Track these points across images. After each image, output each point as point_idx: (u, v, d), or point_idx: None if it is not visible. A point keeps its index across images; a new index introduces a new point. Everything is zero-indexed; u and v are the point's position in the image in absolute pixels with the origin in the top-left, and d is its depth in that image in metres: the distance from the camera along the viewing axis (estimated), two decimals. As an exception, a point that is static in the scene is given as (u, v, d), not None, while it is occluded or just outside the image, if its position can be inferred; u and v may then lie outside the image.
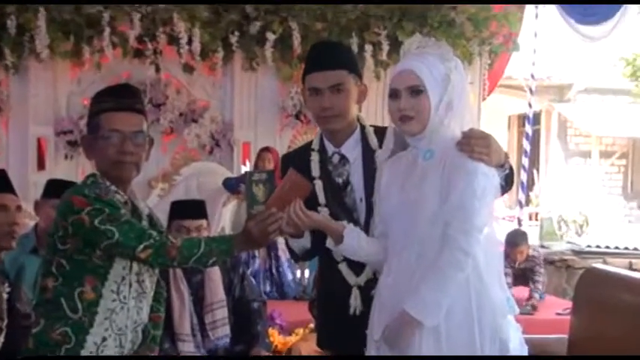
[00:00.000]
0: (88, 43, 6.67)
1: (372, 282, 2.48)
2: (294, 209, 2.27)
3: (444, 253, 2.10)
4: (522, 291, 5.58)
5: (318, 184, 2.57)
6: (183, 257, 2.21)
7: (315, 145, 2.66)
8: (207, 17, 6.78)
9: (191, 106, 7.15)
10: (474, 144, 2.16)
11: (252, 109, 7.28)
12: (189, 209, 3.68)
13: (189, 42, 6.71)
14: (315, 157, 2.63)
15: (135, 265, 2.35)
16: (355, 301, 2.52)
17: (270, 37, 6.79)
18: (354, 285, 2.53)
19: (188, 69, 6.99)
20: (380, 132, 2.56)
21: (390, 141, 2.38)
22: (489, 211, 2.16)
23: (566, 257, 8.02)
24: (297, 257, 2.70)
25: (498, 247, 2.29)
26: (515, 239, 5.64)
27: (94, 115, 2.38)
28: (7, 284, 2.82)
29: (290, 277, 5.76)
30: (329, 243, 2.41)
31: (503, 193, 2.28)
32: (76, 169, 6.93)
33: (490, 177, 2.17)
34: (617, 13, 6.16)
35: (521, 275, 5.71)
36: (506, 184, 2.29)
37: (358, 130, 2.63)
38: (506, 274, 5.31)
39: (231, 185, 6.48)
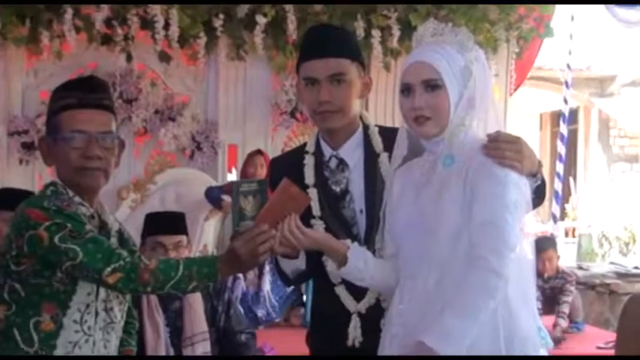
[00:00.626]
0: (47, 27, 6.65)
1: (375, 309, 2.50)
2: (289, 225, 2.27)
3: (471, 276, 2.08)
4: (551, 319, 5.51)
5: (313, 193, 2.58)
6: (158, 282, 2.21)
7: (310, 147, 2.67)
8: (187, -3, 6.80)
9: (168, 102, 7.15)
10: (504, 148, 2.16)
11: (239, 105, 7.28)
12: (166, 223, 3.68)
13: (166, 26, 6.69)
14: (309, 161, 2.64)
15: (102, 291, 2.35)
16: (355, 331, 2.53)
17: (261, 20, 6.77)
18: (354, 312, 2.54)
19: (165, 58, 6.98)
20: (387, 134, 2.58)
21: (403, 145, 2.38)
22: (520, 226, 2.16)
23: (608, 281, 7.97)
24: (288, 281, 2.70)
25: (530, 269, 2.28)
26: (542, 244, 5.56)
27: (54, 113, 2.39)
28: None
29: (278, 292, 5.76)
30: (330, 266, 2.41)
31: (534, 208, 2.28)
32: (33, 176, 6.94)
33: (522, 187, 2.17)
34: None
35: (552, 298, 5.67)
36: (538, 197, 2.29)
37: (360, 130, 2.64)
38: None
39: (215, 196, 6.48)
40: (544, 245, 5.65)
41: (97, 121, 2.37)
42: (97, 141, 2.36)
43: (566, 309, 5.55)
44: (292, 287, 5.49)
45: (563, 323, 5.47)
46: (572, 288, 5.71)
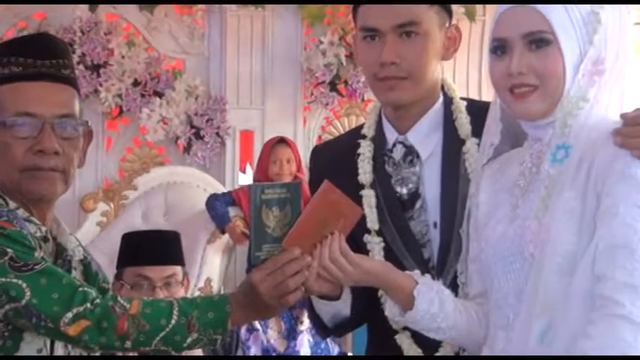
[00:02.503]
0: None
1: None
2: (332, 251, 2.29)
3: (596, 326, 2.07)
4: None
5: (369, 197, 2.60)
6: (142, 334, 2.24)
7: (369, 130, 2.69)
8: None
9: (153, 69, 7.24)
10: None
11: (256, 73, 7.35)
12: (155, 248, 3.72)
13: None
14: (366, 150, 2.66)
15: (59, 347, 2.39)
16: None
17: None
18: None
19: (146, 5, 7.05)
20: (479, 110, 2.57)
21: (494, 130, 2.38)
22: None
23: None
24: (324, 330, 2.70)
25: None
26: None
27: None
28: None
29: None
30: (389, 309, 2.43)
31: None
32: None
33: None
34: None
35: None
36: None
37: (440, 105, 2.66)
38: None
39: (219, 211, 6.53)
40: None
41: (53, 100, 2.39)
42: (54, 129, 2.37)
43: None
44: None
45: None
46: None
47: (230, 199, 6.43)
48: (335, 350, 5.69)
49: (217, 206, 6.51)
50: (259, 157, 6.55)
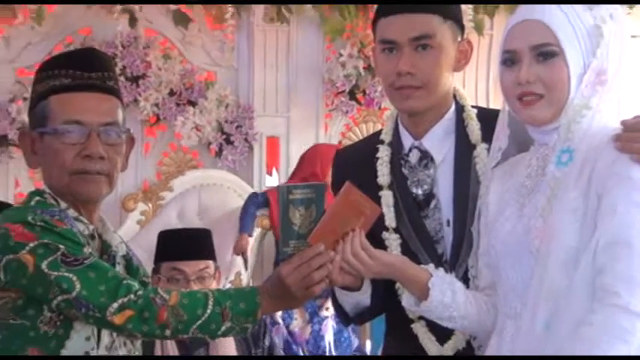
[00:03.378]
0: (24, -18, 6.79)
1: (465, 355, 2.52)
2: (353, 246, 2.30)
3: (596, 315, 2.06)
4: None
5: (387, 197, 2.60)
6: (180, 323, 2.24)
7: (386, 136, 2.69)
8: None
9: (187, 81, 7.24)
10: None
11: (281, 83, 7.35)
12: (189, 245, 3.73)
13: (183, -23, 6.79)
14: (384, 154, 2.66)
15: (105, 336, 2.39)
16: None
17: (310, -32, 6.84)
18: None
19: (181, 20, 7.06)
20: (489, 118, 2.56)
21: (503, 135, 2.38)
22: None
23: None
24: (346, 318, 2.72)
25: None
26: None
27: (41, 98, 2.42)
28: None
29: (343, 346, 5.76)
30: (406, 300, 2.43)
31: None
32: (6, 181, 7.06)
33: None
34: None
35: None
36: None
37: (453, 112, 2.66)
38: None
39: (249, 214, 6.53)
40: None
41: (99, 110, 2.40)
42: (100, 136, 2.38)
43: None
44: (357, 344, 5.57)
45: None
46: None
47: (264, 199, 6.42)
48: (355, 343, 5.68)
49: (248, 210, 6.49)
50: (309, 159, 6.47)
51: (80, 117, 2.37)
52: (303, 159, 6.53)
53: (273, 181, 7.08)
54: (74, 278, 2.23)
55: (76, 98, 2.39)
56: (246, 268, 6.63)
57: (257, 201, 6.49)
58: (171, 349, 3.60)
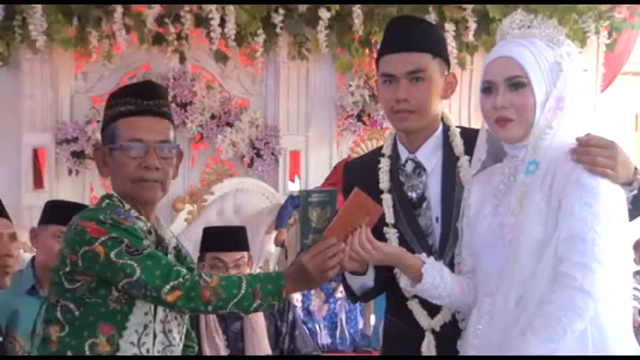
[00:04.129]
0: (96, 27, 6.79)
1: (451, 327, 2.50)
2: (360, 239, 2.29)
3: (557, 295, 2.06)
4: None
5: (387, 199, 2.60)
6: (220, 300, 2.24)
7: (387, 150, 2.68)
8: (245, -8, 6.86)
9: (225, 106, 7.25)
10: (596, 153, 2.12)
11: (301, 108, 7.34)
12: (228, 239, 3.72)
13: (222, 24, 6.77)
14: (384, 165, 2.65)
15: (160, 311, 2.39)
16: (428, 350, 2.54)
17: (324, 15, 6.81)
18: (428, 329, 2.55)
19: (221, 58, 7.07)
20: (469, 135, 2.57)
21: (482, 149, 2.38)
22: (615, 240, 2.13)
23: None
24: (354, 297, 2.71)
25: (626, 285, 2.25)
26: None
27: (111, 121, 2.44)
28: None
29: (352, 324, 5.74)
30: (403, 282, 2.43)
31: (631, 219, 2.24)
32: (83, 187, 7.08)
33: (615, 197, 2.13)
34: None
35: None
36: (635, 208, 2.25)
37: (440, 131, 2.64)
38: (634, 298, 5.46)
39: (286, 213, 6.54)
40: None
41: (155, 130, 2.42)
42: (156, 151, 2.40)
43: None
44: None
45: None
46: None
47: (296, 201, 6.42)
48: (360, 323, 5.66)
49: (286, 209, 6.48)
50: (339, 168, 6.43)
51: (141, 136, 2.39)
52: (334, 169, 6.50)
53: (295, 186, 7.07)
54: (135, 265, 2.24)
55: (137, 121, 2.41)
56: (286, 257, 6.60)
57: (294, 202, 6.46)
58: (213, 322, 3.59)
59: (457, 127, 2.65)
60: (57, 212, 3.69)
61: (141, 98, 2.43)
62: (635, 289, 5.76)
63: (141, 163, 2.38)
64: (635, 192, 2.22)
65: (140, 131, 2.39)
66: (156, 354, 2.39)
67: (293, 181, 7.19)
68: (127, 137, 2.39)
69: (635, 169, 2.23)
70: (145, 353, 2.36)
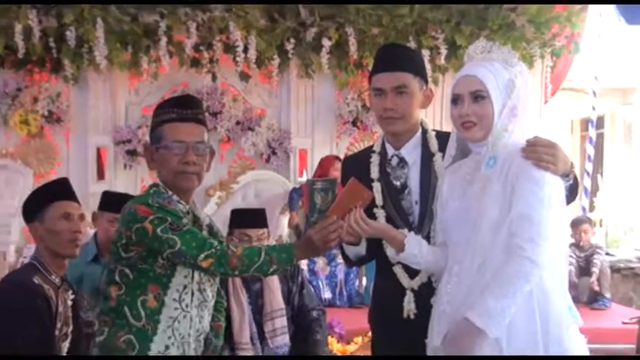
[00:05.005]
0: (146, 52, 6.78)
1: (426, 286, 2.49)
2: (355, 217, 2.29)
3: (510, 262, 2.07)
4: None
5: (377, 186, 2.58)
6: (244, 266, 2.24)
7: (377, 147, 2.67)
8: (263, 25, 6.84)
9: (247, 114, 7.22)
10: (541, 151, 2.13)
11: (308, 116, 7.30)
12: (252, 218, 3.70)
13: (245, 50, 6.75)
14: (375, 159, 2.64)
15: (196, 274, 2.39)
16: (409, 305, 2.53)
17: (326, 43, 6.79)
18: (408, 288, 2.54)
19: (244, 77, 7.04)
20: (442, 136, 2.57)
21: (452, 147, 2.38)
22: (556, 220, 2.12)
23: (632, 265, 7.82)
24: (350, 263, 2.73)
25: (563, 257, 2.25)
26: (579, 219, 6.17)
27: (157, 126, 2.43)
28: (70, 292, 2.89)
29: (349, 284, 5.73)
30: (389, 251, 2.42)
31: (567, 204, 2.25)
32: (135, 178, 7.06)
33: (556, 186, 2.14)
34: None
35: (586, 266, 5.93)
36: (571, 194, 2.26)
37: (419, 133, 2.63)
38: (570, 264, 5.51)
39: (294, 199, 6.50)
40: (580, 220, 6.15)
41: (193, 133, 2.41)
42: (193, 149, 2.39)
43: (596, 269, 5.89)
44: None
45: (594, 277, 5.85)
46: (603, 254, 6.10)
47: (301, 190, 6.41)
48: (355, 284, 5.66)
49: (293, 197, 6.47)
50: (324, 163, 6.42)
51: (182, 138, 2.39)
52: (319, 164, 6.50)
53: (302, 179, 7.03)
54: (176, 238, 2.24)
55: (179, 126, 2.40)
56: (298, 237, 6.58)
57: (298, 192, 6.47)
58: (238, 283, 3.59)
59: (433, 130, 2.65)
60: (110, 201, 3.71)
61: (182, 108, 2.43)
62: (571, 256, 5.79)
63: (181, 159, 2.38)
64: (571, 182, 2.23)
65: (181, 134, 2.39)
66: (193, 308, 2.40)
67: (301, 174, 7.16)
68: (171, 139, 2.39)
69: (571, 164, 2.25)
70: (184, 308, 2.37)
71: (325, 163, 6.34)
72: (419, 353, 2.35)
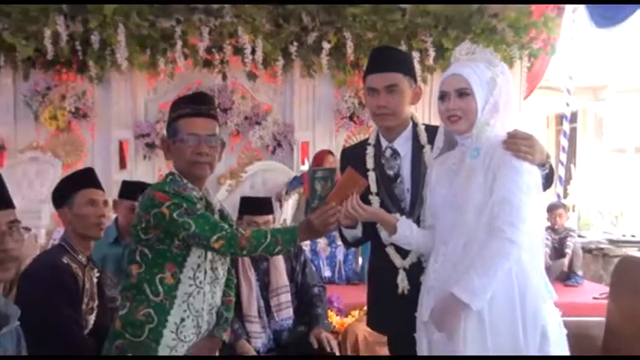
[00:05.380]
0: (163, 54, 6.78)
1: (417, 265, 2.49)
2: (352, 203, 2.28)
3: (491, 242, 2.07)
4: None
5: (372, 175, 2.58)
6: (252, 246, 2.24)
7: (372, 140, 2.66)
8: (269, 29, 6.82)
9: (255, 110, 7.21)
10: (520, 143, 2.13)
11: (310, 112, 7.29)
12: (260, 206, 3.68)
13: (253, 52, 6.75)
14: (370, 151, 2.63)
15: (209, 254, 2.38)
16: (402, 282, 2.52)
17: (326, 46, 6.79)
18: (400, 267, 2.54)
19: (252, 76, 7.03)
20: (431, 130, 2.55)
21: (440, 140, 2.38)
22: (533, 205, 2.12)
23: (602, 246, 7.83)
24: (348, 244, 2.72)
25: (539, 237, 2.25)
26: (554, 204, 6.18)
27: (174, 120, 2.42)
28: (96, 270, 2.89)
29: (347, 264, 5.73)
30: (383, 234, 2.42)
31: (544, 190, 2.24)
32: (153, 168, 7.07)
33: (534, 174, 2.14)
34: (635, 14, 5.97)
35: (560, 248, 5.90)
36: (547, 182, 2.26)
37: (410, 127, 2.61)
38: (546, 246, 5.51)
39: (292, 185, 6.53)
40: (555, 205, 6.17)
41: (206, 127, 2.40)
42: (206, 142, 2.38)
43: (569, 250, 5.88)
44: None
45: (567, 257, 5.85)
46: (575, 237, 6.08)
47: (301, 178, 6.41)
48: (354, 263, 5.66)
49: (293, 182, 6.50)
50: (318, 156, 6.43)
51: (196, 131, 2.38)
52: (314, 158, 6.50)
53: (304, 168, 7.03)
54: (191, 222, 2.23)
55: (193, 121, 2.39)
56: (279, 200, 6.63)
57: (299, 179, 6.47)
58: (247, 262, 3.59)
59: (422, 124, 2.63)
60: (129, 190, 3.69)
61: (196, 104, 2.42)
62: (547, 239, 5.79)
63: (195, 150, 2.37)
64: (547, 171, 2.23)
65: (195, 128, 2.38)
66: (206, 285, 2.39)
67: (303, 164, 7.16)
68: (186, 132, 2.38)
69: (547, 154, 2.24)
70: (198, 285, 2.36)
71: (319, 156, 6.37)
72: (411, 327, 2.34)
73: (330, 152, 6.37)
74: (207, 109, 2.44)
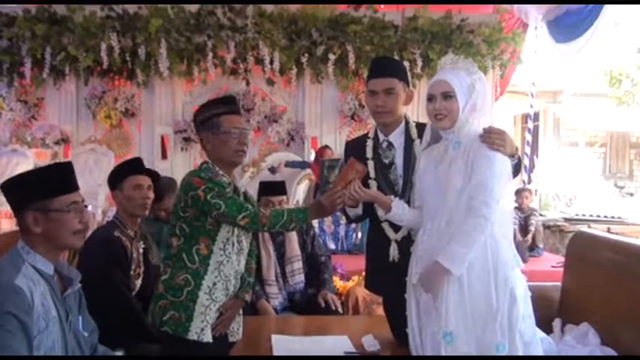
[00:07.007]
0: (197, 64, 6.76)
1: (407, 238, 2.48)
2: (354, 187, 2.26)
3: (469, 219, 2.05)
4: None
5: (371, 164, 2.56)
6: (271, 224, 2.22)
7: (371, 134, 2.64)
8: (284, 43, 6.80)
9: (273, 111, 7.18)
10: (494, 137, 2.10)
11: (318, 112, 7.27)
12: (275, 188, 3.67)
13: (271, 62, 6.74)
14: (369, 143, 2.61)
15: (236, 230, 2.36)
16: (394, 252, 2.52)
17: (332, 57, 6.78)
18: (393, 239, 2.53)
19: (270, 82, 7.02)
20: (420, 126, 2.54)
21: (427, 135, 2.35)
22: (504, 189, 2.10)
23: (559, 223, 7.84)
24: (350, 220, 2.70)
25: (509, 216, 2.23)
26: (521, 188, 6.17)
27: (214, 117, 2.35)
28: (142, 242, 2.89)
29: (348, 238, 5.72)
30: (379, 212, 2.40)
31: (514, 177, 2.22)
32: (189, 158, 7.07)
33: (505, 163, 2.12)
34: (586, 33, 5.99)
35: (525, 225, 5.88)
36: (516, 171, 2.24)
37: (403, 124, 2.60)
38: (514, 224, 5.49)
39: (297, 166, 6.55)
40: (522, 189, 6.15)
41: (241, 122, 2.38)
42: (244, 134, 2.36)
43: (532, 227, 5.88)
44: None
45: (530, 234, 5.85)
46: (537, 215, 6.07)
47: (307, 164, 6.40)
48: (353, 238, 5.64)
49: (294, 163, 6.53)
50: (319, 151, 6.42)
51: (237, 125, 2.35)
52: (316, 151, 6.49)
53: (311, 157, 7.00)
54: (222, 203, 2.21)
55: (232, 117, 2.36)
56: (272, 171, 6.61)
57: (297, 162, 6.53)
58: (267, 236, 3.58)
59: (413, 121, 2.62)
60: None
61: (231, 105, 2.39)
62: (515, 218, 5.76)
63: (240, 140, 2.34)
64: (516, 161, 2.21)
65: (236, 122, 2.35)
66: (234, 255, 2.37)
67: (312, 154, 7.15)
68: (227, 126, 2.33)
69: (516, 147, 2.22)
70: (227, 255, 2.34)
71: (319, 151, 6.38)
72: (402, 288, 2.33)
73: (328, 147, 6.40)
74: (238, 108, 2.43)
